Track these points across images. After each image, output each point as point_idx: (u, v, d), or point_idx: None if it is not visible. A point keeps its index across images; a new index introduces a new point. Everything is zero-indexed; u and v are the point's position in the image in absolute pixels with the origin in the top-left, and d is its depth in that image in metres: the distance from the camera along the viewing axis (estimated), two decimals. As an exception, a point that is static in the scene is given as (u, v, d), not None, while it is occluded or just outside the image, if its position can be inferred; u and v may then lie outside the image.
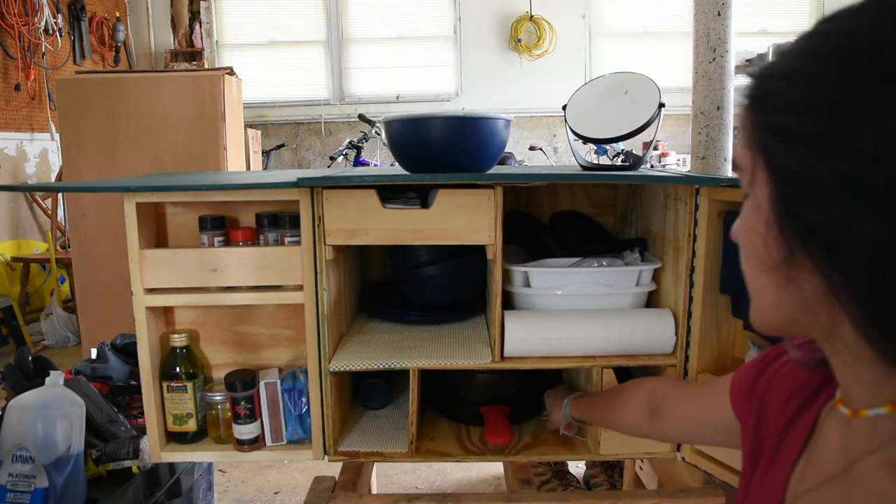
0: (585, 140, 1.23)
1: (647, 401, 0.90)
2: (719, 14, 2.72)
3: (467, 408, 1.28)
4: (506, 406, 1.26)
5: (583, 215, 1.52)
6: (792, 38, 0.46)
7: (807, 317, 0.45)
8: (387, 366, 1.11)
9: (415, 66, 5.37)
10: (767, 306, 0.48)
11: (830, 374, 0.51)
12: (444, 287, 1.33)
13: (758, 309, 0.50)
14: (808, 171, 0.41)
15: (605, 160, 4.28)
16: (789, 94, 0.43)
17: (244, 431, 1.14)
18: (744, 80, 0.49)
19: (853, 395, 0.47)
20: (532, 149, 4.97)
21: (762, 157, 0.45)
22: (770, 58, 0.47)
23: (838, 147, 0.39)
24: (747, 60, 4.50)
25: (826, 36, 0.42)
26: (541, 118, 5.32)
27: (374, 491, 1.54)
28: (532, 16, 5.20)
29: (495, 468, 2.08)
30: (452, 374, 1.27)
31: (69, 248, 3.51)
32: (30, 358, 1.49)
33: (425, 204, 1.08)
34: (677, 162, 4.81)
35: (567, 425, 1.16)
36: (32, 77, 4.05)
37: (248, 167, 3.61)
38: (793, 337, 0.54)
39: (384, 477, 2.07)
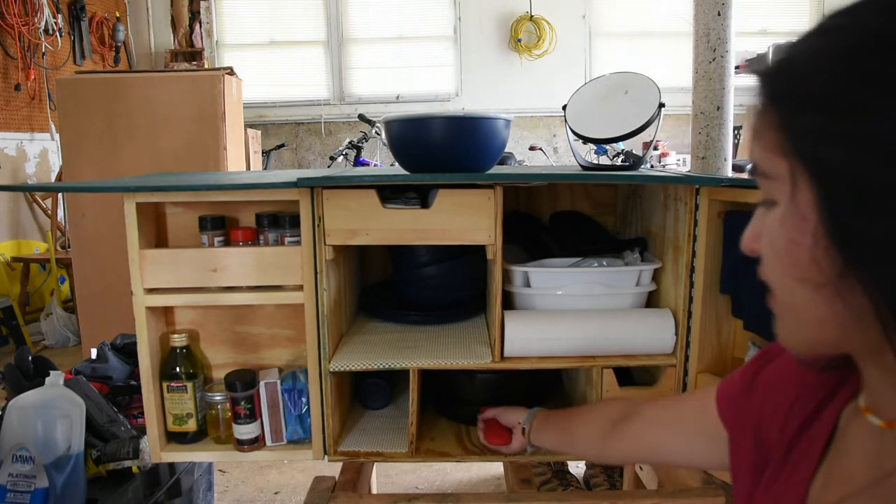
0: (585, 140, 1.23)
1: (619, 408, 0.84)
2: (719, 14, 2.72)
3: (467, 408, 1.27)
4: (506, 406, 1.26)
5: (583, 215, 1.52)
6: (801, 34, 0.42)
7: (856, 334, 0.42)
8: (387, 366, 1.11)
9: (415, 66, 5.37)
10: (811, 324, 0.44)
11: (844, 375, 0.49)
12: (444, 287, 1.33)
13: (797, 327, 0.46)
14: (863, 176, 0.37)
15: (605, 160, 4.28)
16: (828, 94, 0.39)
17: (244, 431, 1.14)
18: (754, 79, 0.45)
19: (886, 406, 0.45)
20: (532, 149, 4.97)
21: (803, 163, 0.41)
22: (782, 52, 0.43)
23: (887, 148, 0.36)
24: (747, 60, 4.50)
25: (857, 31, 0.39)
26: (541, 118, 5.32)
27: (374, 491, 1.54)
28: (532, 16, 5.20)
29: (495, 468, 2.08)
30: (453, 374, 1.26)
31: (69, 248, 3.51)
32: (30, 358, 1.49)
33: (425, 204, 1.08)
34: (677, 162, 4.81)
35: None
36: (32, 77, 4.05)
37: (248, 167, 3.61)
38: (831, 354, 0.49)
39: (384, 477, 2.07)
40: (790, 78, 0.42)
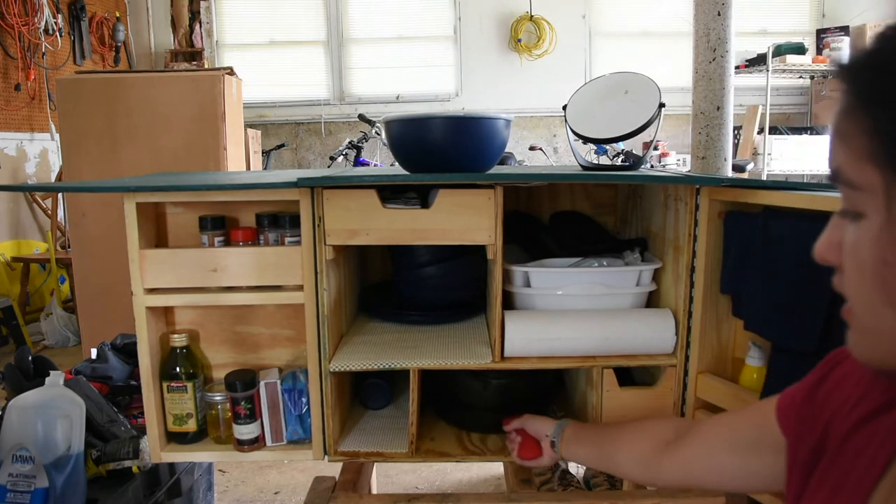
0: (585, 140, 1.23)
1: (673, 428, 0.79)
2: (719, 14, 2.72)
3: (471, 413, 1.24)
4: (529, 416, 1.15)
5: (583, 215, 1.52)
6: (889, 25, 0.37)
7: None
8: (387, 366, 1.11)
9: (415, 66, 5.37)
10: (891, 346, 0.41)
11: None
12: (444, 287, 1.33)
13: (877, 346, 0.43)
14: None
15: (605, 160, 4.28)
16: None
17: (244, 431, 1.14)
18: (837, 72, 0.39)
19: None
20: (532, 149, 4.97)
21: None
22: (873, 42, 0.38)
23: None
24: (747, 61, 4.50)
25: None
26: (541, 118, 5.32)
27: (375, 491, 1.54)
28: (532, 16, 5.20)
29: (495, 468, 2.08)
30: (456, 379, 1.24)
31: (69, 248, 3.51)
32: (30, 358, 1.49)
33: (425, 204, 1.08)
34: (677, 162, 4.81)
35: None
36: (32, 77, 4.05)
37: (248, 167, 3.61)
38: None
39: (384, 477, 2.07)
40: (885, 73, 0.37)
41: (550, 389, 1.34)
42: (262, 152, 4.55)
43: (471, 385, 1.24)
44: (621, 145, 4.24)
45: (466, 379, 1.24)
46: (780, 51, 4.41)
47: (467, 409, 1.26)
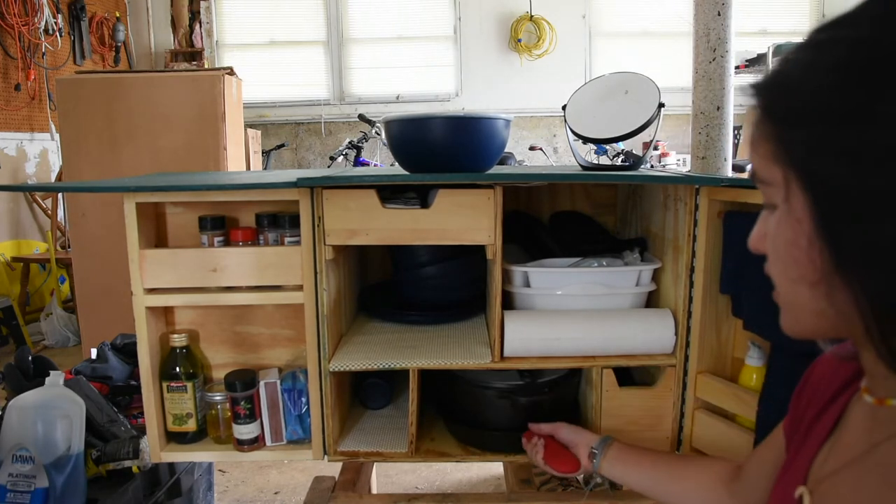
0: (585, 140, 1.23)
1: (728, 470, 0.81)
2: (719, 14, 2.72)
3: (513, 434, 1.14)
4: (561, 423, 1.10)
5: (583, 215, 1.52)
6: (795, 43, 0.45)
7: (846, 324, 0.45)
8: (387, 366, 1.11)
9: (415, 66, 5.37)
10: (809, 316, 0.48)
11: (860, 367, 0.52)
12: (444, 287, 1.33)
13: (797, 319, 0.50)
14: (848, 185, 0.40)
15: (605, 160, 4.28)
16: (817, 109, 0.42)
17: (244, 431, 1.14)
18: (749, 90, 0.49)
19: (879, 386, 0.49)
20: (532, 149, 4.98)
21: (796, 172, 0.44)
22: (777, 65, 0.46)
23: (874, 159, 0.39)
24: (747, 61, 4.50)
25: (846, 45, 0.41)
26: (541, 118, 5.32)
27: (374, 491, 1.54)
28: (532, 16, 5.20)
29: (495, 468, 2.08)
30: (488, 399, 1.17)
31: (69, 248, 3.51)
32: (30, 358, 1.49)
33: (425, 204, 1.08)
34: (677, 162, 4.81)
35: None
36: (32, 77, 4.05)
37: (248, 167, 3.61)
38: (828, 339, 0.54)
39: (384, 477, 2.07)
40: (783, 91, 0.45)
41: (574, 408, 1.28)
42: (262, 152, 4.54)
43: (497, 404, 1.17)
44: (621, 145, 4.24)
45: (493, 398, 1.17)
46: (780, 51, 4.41)
47: (491, 428, 1.18)
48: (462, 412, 1.22)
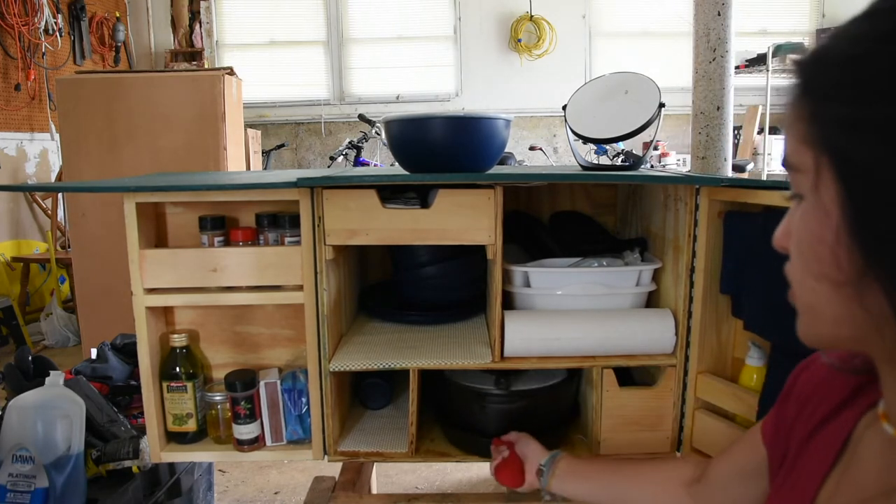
0: (585, 140, 1.23)
1: (690, 471, 0.79)
2: (719, 14, 2.72)
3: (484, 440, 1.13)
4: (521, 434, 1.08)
5: (583, 215, 1.52)
6: (844, 21, 0.40)
7: (873, 335, 0.40)
8: (387, 366, 1.11)
9: (415, 66, 5.37)
10: (828, 322, 0.43)
11: (865, 382, 0.47)
12: (444, 287, 1.33)
13: (814, 323, 0.45)
14: (884, 173, 0.35)
15: (605, 160, 4.28)
16: (860, 81, 0.37)
17: (244, 431, 1.14)
18: (791, 66, 0.43)
19: None
20: (532, 149, 4.97)
21: (828, 155, 0.39)
22: (823, 40, 0.41)
23: None
24: (747, 61, 4.50)
25: (891, 15, 0.37)
26: (541, 118, 5.32)
27: (374, 491, 1.54)
28: (532, 16, 5.20)
29: (495, 468, 2.08)
30: (465, 401, 1.18)
31: (69, 248, 3.51)
32: (30, 358, 1.49)
33: (425, 204, 1.08)
34: (677, 162, 4.81)
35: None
36: (32, 77, 4.05)
37: (248, 167, 3.61)
38: (847, 352, 0.48)
39: (384, 477, 2.07)
40: (823, 64, 0.40)
41: (570, 416, 1.27)
42: (262, 152, 4.54)
43: (477, 408, 1.17)
44: (621, 145, 4.24)
45: (475, 402, 1.16)
46: (780, 51, 4.41)
47: (474, 432, 1.18)
48: (452, 415, 1.23)
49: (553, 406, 1.22)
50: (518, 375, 1.19)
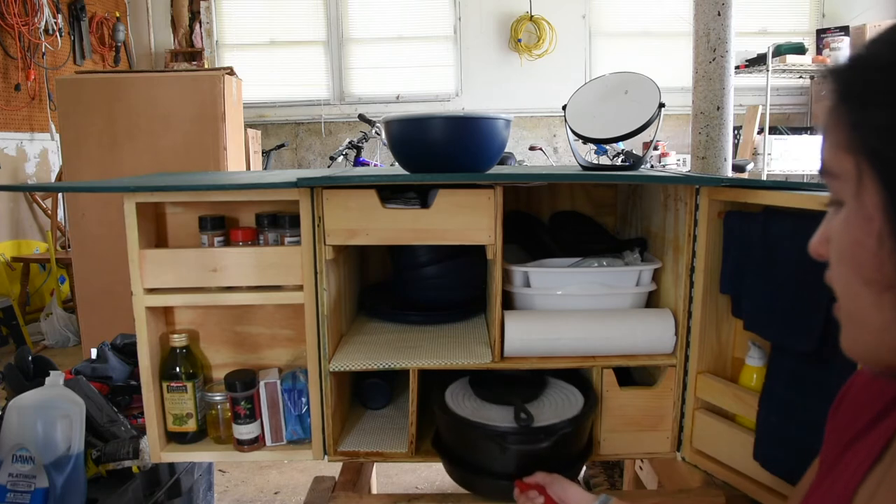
0: (585, 140, 1.23)
1: None
2: (719, 14, 2.71)
3: (500, 482, 1.02)
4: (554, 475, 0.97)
5: (583, 215, 1.52)
6: (883, 28, 0.40)
7: None
8: (387, 366, 1.11)
9: (415, 66, 5.37)
10: (872, 330, 0.43)
11: None
12: (444, 287, 1.33)
13: (858, 333, 0.45)
14: None
15: (605, 160, 4.28)
16: None
17: (244, 431, 1.14)
18: (826, 74, 0.43)
19: None
20: (532, 149, 4.97)
21: (870, 161, 0.39)
22: (860, 47, 0.41)
23: None
24: (747, 61, 4.50)
25: None
26: (541, 118, 5.32)
27: (374, 491, 1.54)
28: (532, 16, 5.20)
29: (495, 468, 2.08)
30: (482, 443, 1.04)
31: (69, 248, 3.51)
32: (30, 358, 1.49)
33: (425, 204, 1.08)
34: (677, 162, 4.81)
35: None
36: (32, 77, 4.05)
37: (248, 167, 3.61)
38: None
39: (384, 477, 2.07)
40: (863, 70, 0.40)
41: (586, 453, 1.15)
42: (262, 152, 4.54)
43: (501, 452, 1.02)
44: (621, 145, 4.24)
45: (509, 444, 1.01)
46: (780, 51, 4.41)
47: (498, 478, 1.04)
48: (463, 455, 1.09)
49: (579, 438, 1.10)
50: (534, 405, 1.10)
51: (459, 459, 1.08)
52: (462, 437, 1.07)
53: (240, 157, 2.96)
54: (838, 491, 0.50)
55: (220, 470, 2.12)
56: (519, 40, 5.20)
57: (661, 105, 1.18)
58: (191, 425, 1.16)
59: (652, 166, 4.41)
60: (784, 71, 4.55)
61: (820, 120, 0.44)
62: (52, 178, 4.22)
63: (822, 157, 0.44)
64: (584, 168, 1.33)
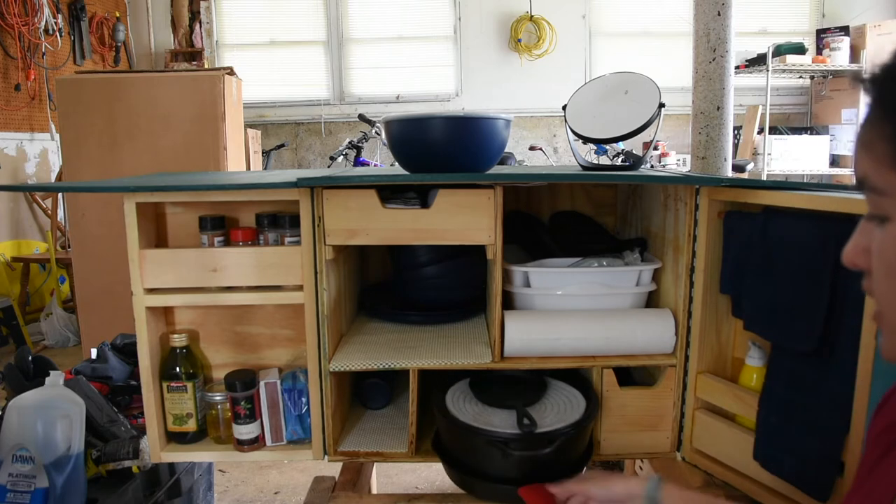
0: (585, 140, 1.24)
1: None
2: (719, 14, 2.71)
3: (500, 487, 1.02)
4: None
5: (583, 215, 1.52)
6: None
7: None
8: (387, 366, 1.11)
9: (415, 66, 5.37)
10: None
11: None
12: (444, 287, 1.33)
13: None
14: None
15: (605, 160, 4.28)
16: None
17: (244, 431, 1.14)
18: (862, 84, 0.41)
19: None
20: (532, 149, 4.97)
21: None
22: (890, 58, 0.40)
23: None
24: (747, 61, 4.50)
25: None
26: (541, 118, 5.32)
27: (374, 491, 1.54)
28: (532, 16, 5.20)
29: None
30: (484, 448, 1.02)
31: (69, 248, 3.51)
32: (30, 358, 1.49)
33: (425, 204, 1.08)
34: (677, 162, 4.81)
35: None
36: (32, 77, 4.05)
37: (248, 167, 3.61)
38: None
39: (384, 477, 2.07)
40: None
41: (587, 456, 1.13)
42: (262, 152, 4.54)
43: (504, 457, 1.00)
44: (621, 145, 4.24)
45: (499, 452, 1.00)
46: (780, 51, 4.41)
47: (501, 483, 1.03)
48: (466, 461, 1.08)
49: (582, 442, 1.09)
50: (536, 408, 1.09)
51: (460, 462, 1.08)
52: (464, 442, 1.07)
53: (240, 157, 2.96)
54: (877, 497, 0.50)
55: (220, 470, 2.12)
56: (519, 40, 5.20)
57: (661, 105, 1.18)
58: (191, 425, 1.16)
59: (652, 166, 4.41)
60: (784, 71, 4.55)
61: (857, 133, 0.42)
62: (52, 178, 4.22)
63: (861, 171, 0.43)
64: (584, 168, 1.33)
